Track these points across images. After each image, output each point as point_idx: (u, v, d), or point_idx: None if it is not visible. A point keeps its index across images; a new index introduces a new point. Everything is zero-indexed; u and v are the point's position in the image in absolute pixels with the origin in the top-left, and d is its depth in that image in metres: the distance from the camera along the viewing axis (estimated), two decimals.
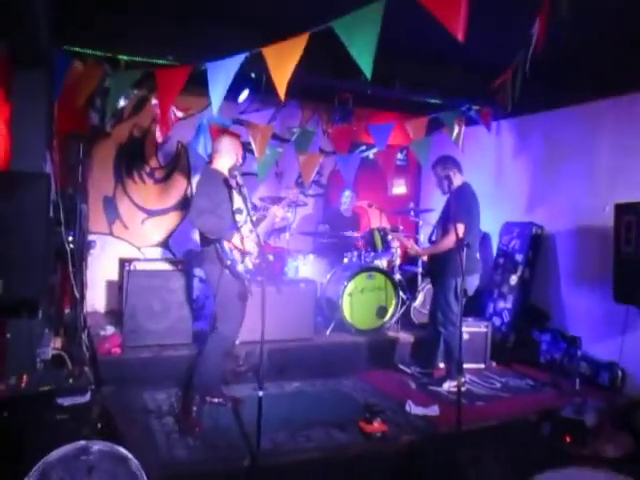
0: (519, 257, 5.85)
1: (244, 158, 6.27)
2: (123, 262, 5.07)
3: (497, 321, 5.82)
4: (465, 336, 4.97)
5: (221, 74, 3.67)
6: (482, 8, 3.06)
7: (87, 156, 4.84)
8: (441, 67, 5.63)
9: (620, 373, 4.84)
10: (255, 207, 5.79)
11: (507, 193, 6.31)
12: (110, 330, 5.12)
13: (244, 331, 4.37)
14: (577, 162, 5.48)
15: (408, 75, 5.58)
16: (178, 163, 6.59)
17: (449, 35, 2.74)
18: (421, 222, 6.64)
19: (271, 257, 5.80)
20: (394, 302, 5.83)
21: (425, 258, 5.54)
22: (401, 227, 6.29)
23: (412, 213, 6.68)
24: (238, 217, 3.89)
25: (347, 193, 6.64)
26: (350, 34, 3.06)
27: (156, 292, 4.84)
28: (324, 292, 5.86)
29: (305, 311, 5.32)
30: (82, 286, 4.53)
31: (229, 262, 3.82)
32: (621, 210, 4.55)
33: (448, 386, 4.70)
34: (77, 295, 4.38)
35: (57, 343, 4.46)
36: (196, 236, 4.14)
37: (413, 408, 4.18)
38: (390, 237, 6.03)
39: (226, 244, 3.82)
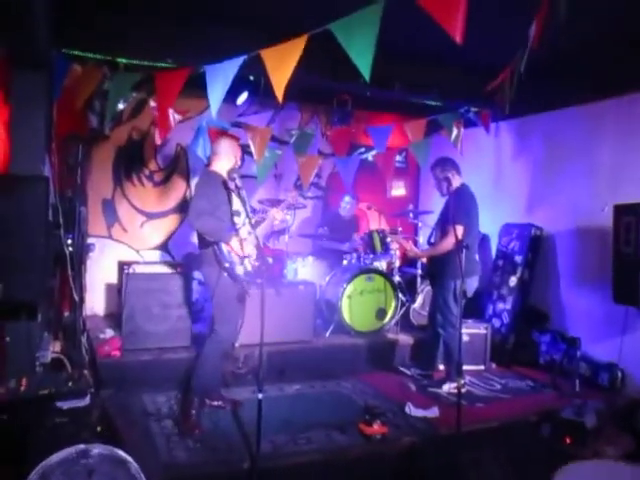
0: (518, 258, 5.86)
1: (243, 160, 6.28)
2: (122, 265, 5.06)
3: (497, 322, 5.82)
4: (465, 338, 4.97)
5: (220, 77, 3.66)
6: (481, 9, 3.06)
7: (86, 159, 4.84)
8: (440, 69, 5.64)
9: (620, 374, 4.84)
10: (254, 210, 5.80)
11: (506, 194, 6.31)
12: (109, 333, 5.11)
13: (243, 334, 4.38)
14: (577, 163, 5.49)
15: (407, 77, 5.59)
16: (177, 166, 6.59)
17: (448, 37, 2.74)
18: (420, 224, 6.64)
19: (270, 259, 5.80)
20: (393, 304, 5.83)
21: (424, 260, 5.54)
22: (400, 229, 6.30)
23: (411, 215, 6.68)
24: (236, 219, 3.89)
25: (347, 199, 6.63)
26: (348, 36, 3.06)
27: (155, 295, 4.83)
28: (323, 294, 5.86)
29: (304, 313, 5.32)
30: (81, 289, 4.51)
31: (227, 264, 3.81)
32: (620, 211, 4.56)
33: (448, 388, 4.69)
34: (76, 298, 4.37)
35: (56, 346, 4.46)
36: (194, 239, 4.13)
37: (413, 410, 4.17)
38: (389, 239, 6.04)
39: (224, 246, 3.81)
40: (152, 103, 5.36)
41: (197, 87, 3.88)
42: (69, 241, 4.20)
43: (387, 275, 5.90)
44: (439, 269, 4.69)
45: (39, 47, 3.54)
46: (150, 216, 6.46)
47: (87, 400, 3.11)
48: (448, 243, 4.46)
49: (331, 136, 6.88)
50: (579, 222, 5.43)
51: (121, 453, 2.46)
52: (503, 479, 3.18)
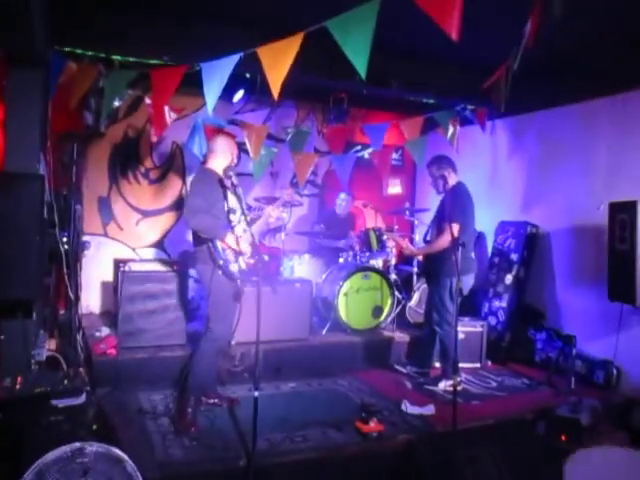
0: (514, 256, 5.87)
1: (239, 158, 6.27)
2: (118, 263, 5.05)
3: (492, 320, 5.83)
4: (461, 335, 4.96)
5: (216, 74, 3.66)
6: (477, 7, 3.07)
7: (81, 156, 4.82)
8: (436, 67, 5.64)
9: (615, 371, 4.85)
10: (249, 207, 5.79)
11: (502, 192, 6.32)
12: (105, 331, 5.10)
13: (239, 331, 4.36)
14: (572, 161, 5.50)
15: (403, 75, 5.59)
16: (173, 163, 6.57)
17: (444, 34, 2.74)
18: (416, 222, 6.65)
19: (266, 257, 5.80)
20: (390, 302, 5.84)
21: (420, 258, 5.55)
22: (396, 227, 6.30)
23: (407, 213, 6.69)
24: (232, 217, 3.88)
25: (342, 196, 6.65)
26: (345, 33, 3.06)
27: (151, 293, 4.82)
28: (320, 292, 5.86)
29: (301, 311, 5.32)
30: (77, 287, 4.51)
31: (221, 262, 3.79)
32: (615, 209, 4.57)
33: (444, 385, 4.70)
34: (72, 296, 4.37)
35: (52, 344, 4.45)
36: (190, 236, 4.12)
37: (409, 407, 4.18)
38: (385, 237, 6.04)
39: (219, 244, 3.79)
40: (148, 100, 5.35)
41: (193, 85, 3.87)
42: (64, 239, 4.19)
43: (383, 273, 5.91)
44: (435, 267, 4.69)
45: (35, 45, 3.52)
46: (146, 214, 6.44)
47: (83, 398, 3.10)
48: (444, 241, 4.47)
49: (327, 134, 6.87)
50: (575, 220, 5.44)
51: (117, 451, 2.46)
52: (499, 476, 3.18)
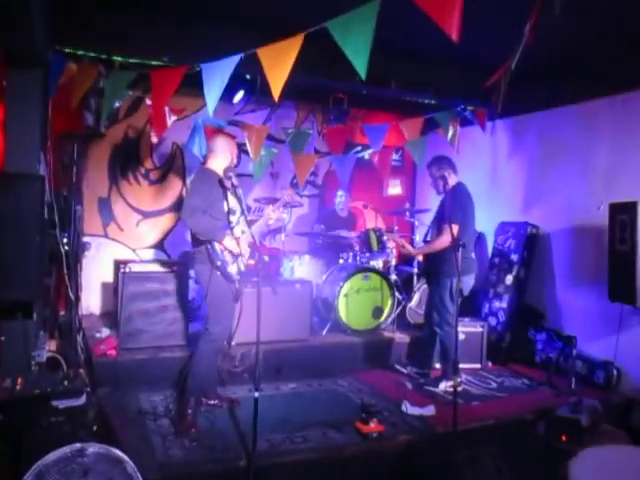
0: (514, 257, 5.87)
1: (239, 159, 6.27)
2: (118, 264, 5.05)
3: (493, 321, 5.83)
4: (461, 336, 4.96)
5: (216, 75, 3.66)
6: (478, 7, 3.07)
7: (82, 157, 4.82)
8: (436, 67, 5.65)
9: (615, 372, 4.85)
10: (249, 208, 5.78)
11: (502, 193, 6.32)
12: (105, 332, 5.10)
13: (240, 332, 4.37)
14: (572, 161, 5.50)
15: (403, 75, 5.60)
16: (173, 164, 6.57)
17: (444, 34, 2.74)
18: (416, 222, 6.65)
19: (266, 258, 5.80)
20: (390, 302, 5.83)
21: (420, 258, 5.55)
22: (396, 227, 6.31)
23: (407, 213, 6.69)
24: (231, 217, 3.87)
25: (340, 193, 6.65)
26: (345, 34, 3.05)
27: (151, 294, 4.82)
28: (320, 293, 5.86)
29: (301, 312, 5.32)
30: (77, 288, 4.51)
31: (219, 263, 3.78)
32: (615, 209, 4.57)
33: (444, 386, 4.70)
34: (72, 297, 4.37)
35: (52, 345, 4.45)
36: (189, 237, 4.11)
37: (409, 408, 4.18)
38: (385, 238, 6.04)
39: (217, 245, 3.78)
40: (148, 101, 5.35)
41: (193, 85, 3.87)
42: (65, 240, 4.19)
43: (384, 274, 5.90)
44: (435, 267, 4.69)
45: (35, 45, 3.52)
46: (146, 215, 6.44)
47: (83, 399, 3.10)
48: (443, 241, 4.47)
49: (327, 134, 6.87)
50: (575, 220, 5.44)
51: (117, 452, 2.46)
52: (499, 477, 3.18)
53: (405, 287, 6.23)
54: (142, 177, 6.41)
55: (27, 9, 2.98)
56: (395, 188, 7.84)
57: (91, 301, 6.04)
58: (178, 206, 6.48)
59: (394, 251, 6.17)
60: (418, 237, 6.42)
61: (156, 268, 5.08)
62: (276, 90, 3.32)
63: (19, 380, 3.17)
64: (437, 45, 3.57)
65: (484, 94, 4.54)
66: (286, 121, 7.07)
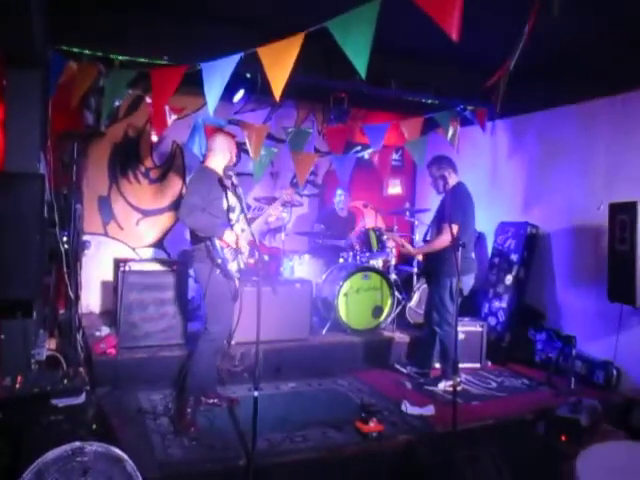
0: (514, 257, 5.87)
1: (239, 157, 6.27)
2: (118, 262, 5.04)
3: (492, 321, 5.83)
4: (461, 336, 4.96)
5: (217, 74, 3.66)
6: (478, 7, 3.07)
7: (82, 156, 4.82)
8: (437, 67, 5.65)
9: (615, 372, 4.85)
10: (249, 207, 5.78)
11: (502, 193, 6.32)
12: (105, 331, 5.10)
13: (239, 331, 4.37)
14: (572, 161, 5.50)
15: (403, 74, 5.60)
16: (173, 163, 6.57)
17: (444, 34, 2.74)
18: (416, 222, 6.65)
19: (266, 257, 5.80)
20: (390, 302, 5.83)
21: (420, 257, 5.55)
22: (396, 227, 6.31)
23: (407, 213, 6.69)
24: (231, 215, 3.87)
25: (340, 192, 6.64)
26: (345, 33, 3.06)
27: (151, 292, 4.82)
28: (320, 292, 5.86)
29: (301, 311, 5.32)
30: (77, 287, 4.51)
31: (219, 261, 3.77)
32: (615, 209, 4.57)
33: (444, 386, 4.70)
34: (72, 296, 4.36)
35: (52, 344, 4.45)
36: (188, 235, 4.11)
37: (409, 408, 4.18)
38: (385, 237, 6.04)
39: (218, 242, 3.77)
40: (148, 100, 5.35)
41: (193, 84, 3.87)
42: (65, 238, 4.19)
43: (383, 273, 5.90)
44: (435, 267, 4.69)
45: (34, 45, 3.52)
46: (146, 213, 6.44)
47: (82, 398, 3.10)
48: (442, 241, 4.47)
49: (327, 134, 6.88)
50: (574, 220, 5.44)
51: (117, 451, 2.46)
52: (499, 477, 3.18)
53: (405, 287, 6.23)
54: (142, 176, 6.41)
55: (27, 9, 2.98)
56: (395, 188, 7.84)
57: (91, 300, 6.05)
58: (178, 205, 6.42)
59: (394, 251, 6.17)
60: (418, 237, 6.42)
61: (156, 267, 5.08)
62: (277, 90, 3.32)
63: (19, 378, 3.17)
64: (437, 45, 3.57)
65: (484, 94, 4.53)
66: (286, 120, 7.07)
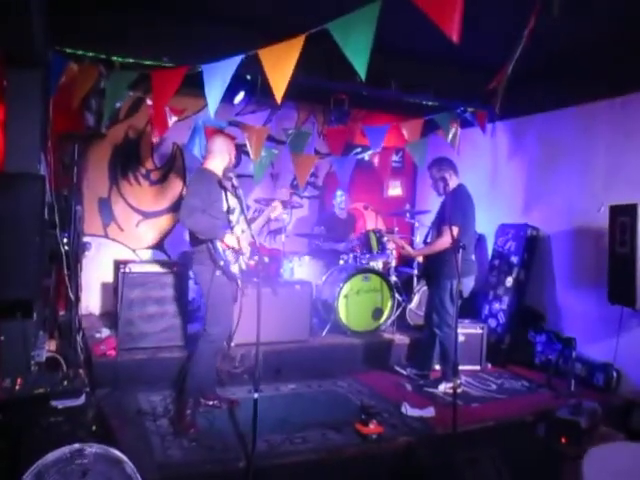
0: (514, 259, 5.87)
1: (239, 159, 6.27)
2: (118, 264, 5.04)
3: (492, 323, 5.83)
4: (461, 338, 4.96)
5: (217, 76, 3.66)
6: (478, 8, 3.07)
7: (82, 157, 4.83)
8: (437, 68, 5.65)
9: (615, 374, 4.85)
10: (248, 208, 5.77)
11: (502, 195, 6.33)
12: (105, 332, 5.10)
13: (239, 333, 4.37)
14: (572, 163, 5.50)
15: (403, 76, 5.60)
16: (174, 165, 6.58)
17: (445, 36, 2.74)
18: (417, 224, 6.65)
19: (266, 259, 5.79)
20: (390, 304, 5.83)
21: (420, 259, 5.55)
22: (397, 229, 6.30)
23: (408, 215, 6.69)
24: (231, 217, 3.87)
25: (340, 193, 6.65)
26: (345, 35, 3.06)
27: (151, 294, 4.82)
28: (320, 294, 5.86)
29: (301, 313, 5.32)
30: (77, 288, 4.51)
31: (222, 263, 3.77)
32: (616, 211, 4.57)
33: (444, 388, 4.70)
34: (72, 297, 4.36)
35: (52, 345, 4.44)
36: (187, 237, 4.10)
37: (409, 410, 4.17)
38: (386, 239, 6.04)
39: (219, 244, 3.77)
40: (149, 102, 5.36)
41: (194, 86, 3.87)
42: (65, 240, 4.19)
43: (383, 275, 5.90)
44: (435, 269, 4.69)
45: (34, 45, 3.52)
46: (146, 215, 6.45)
47: (82, 399, 3.10)
48: (442, 243, 4.47)
49: (327, 135, 6.88)
50: (575, 222, 5.44)
51: (116, 452, 2.45)
52: (499, 479, 3.18)
53: (405, 288, 6.23)
54: (142, 177, 6.41)
55: (27, 9, 2.98)
56: (395, 189, 7.85)
57: (91, 301, 6.05)
58: (178, 207, 6.42)
59: (394, 252, 6.17)
60: (418, 238, 6.42)
61: (156, 268, 5.08)
62: (279, 92, 3.32)
63: (18, 380, 3.17)
64: (437, 46, 3.57)
65: (484, 96, 4.54)
66: (286, 122, 7.07)
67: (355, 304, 5.69)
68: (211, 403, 4.09)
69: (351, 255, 6.06)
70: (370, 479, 3.55)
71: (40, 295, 3.81)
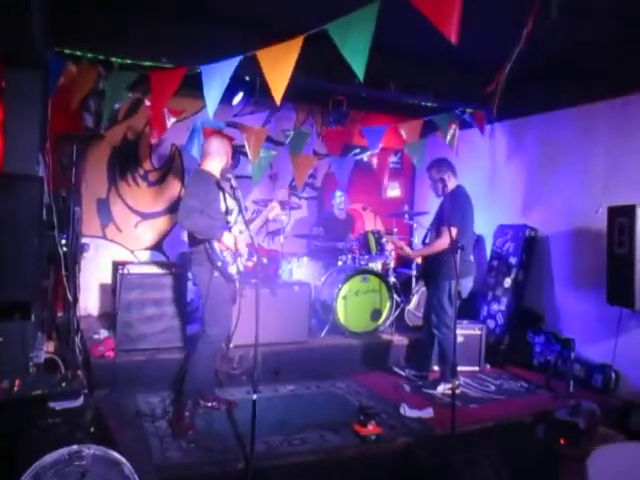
0: (513, 260, 5.87)
1: (237, 160, 6.27)
2: (116, 265, 5.04)
3: (491, 323, 5.83)
4: (459, 339, 4.97)
5: (216, 78, 3.66)
6: (477, 8, 3.07)
7: (81, 158, 4.81)
8: (435, 69, 5.65)
9: (613, 375, 4.85)
10: (246, 209, 5.76)
11: (501, 196, 6.33)
12: (103, 334, 5.09)
13: (238, 334, 4.36)
14: (571, 164, 5.51)
15: (402, 77, 5.60)
16: (172, 166, 6.57)
17: (444, 37, 2.74)
18: (415, 225, 6.66)
19: (265, 260, 5.79)
20: (388, 305, 5.83)
21: (419, 261, 5.55)
22: (395, 230, 6.30)
23: (406, 216, 6.69)
24: (229, 217, 3.86)
25: (339, 193, 6.65)
26: (344, 36, 3.06)
27: (150, 295, 4.81)
28: (318, 295, 5.86)
29: (299, 314, 5.31)
30: (75, 289, 4.50)
31: (219, 263, 3.77)
32: (614, 212, 4.58)
33: (442, 389, 4.69)
34: (70, 298, 4.35)
35: (50, 347, 4.43)
36: (185, 237, 4.10)
37: (407, 410, 4.17)
38: (384, 240, 6.04)
39: (216, 245, 3.76)
40: (147, 103, 5.36)
41: (192, 87, 3.88)
42: (63, 241, 4.18)
43: (382, 276, 5.90)
44: (434, 270, 4.69)
45: (34, 45, 3.52)
46: (145, 216, 6.44)
47: (80, 401, 3.09)
48: (441, 243, 4.47)
49: (326, 136, 6.88)
50: (573, 223, 5.44)
51: (115, 454, 2.45)
52: (497, 479, 3.18)
53: (404, 289, 6.23)
54: (141, 178, 6.41)
55: (27, 9, 2.98)
56: (394, 190, 7.85)
57: (89, 302, 6.04)
58: (177, 208, 6.43)
59: (393, 253, 6.17)
60: (417, 239, 6.43)
61: (154, 269, 5.07)
62: (277, 94, 3.32)
63: (17, 381, 3.16)
64: (436, 47, 3.57)
65: (483, 97, 4.54)
66: (285, 123, 7.07)
67: (354, 305, 5.69)
68: (210, 404, 4.09)
69: (350, 256, 6.06)
70: None
71: (38, 296, 3.80)
